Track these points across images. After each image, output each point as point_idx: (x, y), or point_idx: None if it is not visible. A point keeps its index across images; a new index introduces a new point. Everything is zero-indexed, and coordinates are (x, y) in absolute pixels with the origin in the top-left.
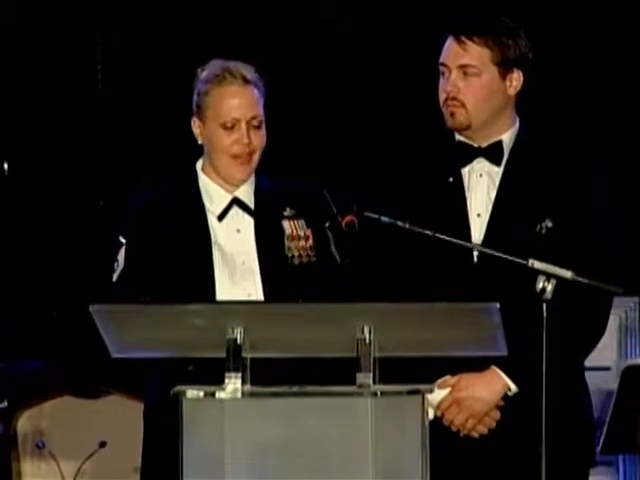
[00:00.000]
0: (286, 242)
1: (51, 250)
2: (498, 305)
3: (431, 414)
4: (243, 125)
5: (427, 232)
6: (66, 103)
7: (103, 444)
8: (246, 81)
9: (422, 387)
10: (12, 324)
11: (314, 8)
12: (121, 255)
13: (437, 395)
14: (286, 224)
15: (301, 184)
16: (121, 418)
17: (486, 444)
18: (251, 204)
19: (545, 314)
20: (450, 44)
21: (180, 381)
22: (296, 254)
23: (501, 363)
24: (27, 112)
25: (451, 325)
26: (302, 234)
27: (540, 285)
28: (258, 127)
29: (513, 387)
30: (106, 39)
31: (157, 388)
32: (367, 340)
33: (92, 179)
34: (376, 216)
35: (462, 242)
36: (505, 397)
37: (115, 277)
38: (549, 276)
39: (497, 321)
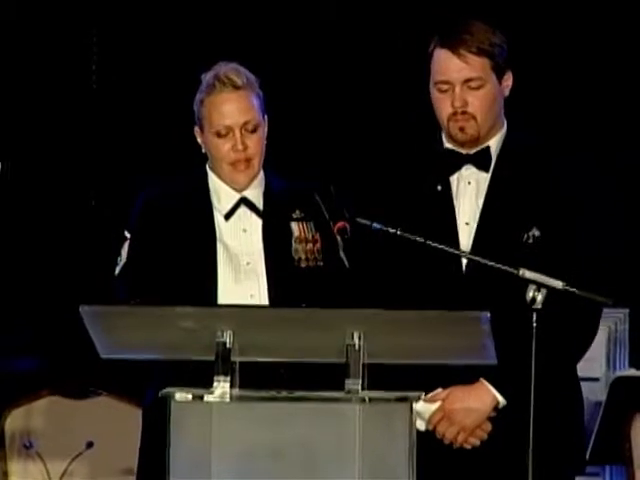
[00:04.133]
0: (293, 244)
1: (42, 250)
2: (488, 314)
3: (422, 427)
4: (237, 132)
5: (418, 239)
6: (60, 104)
7: (90, 445)
8: (236, 87)
9: (410, 394)
10: (1, 323)
11: (313, 8)
12: (124, 249)
13: (428, 408)
14: (294, 226)
15: (312, 186)
16: (109, 419)
17: (477, 454)
18: (260, 205)
19: (535, 324)
20: (448, 58)
21: (180, 381)
22: (303, 257)
23: (491, 374)
24: (21, 113)
25: (441, 333)
26: (310, 237)
27: (530, 295)
28: (253, 131)
29: (501, 400)
30: (102, 39)
31: (157, 388)
32: (357, 346)
33: (85, 180)
34: (368, 222)
35: (452, 250)
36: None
37: (117, 271)
38: (539, 286)
39: (487, 329)
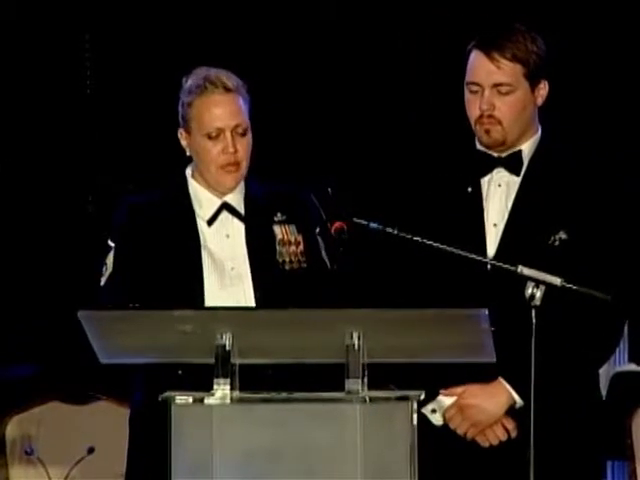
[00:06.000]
0: (277, 247)
1: (40, 255)
2: (487, 311)
3: (439, 421)
4: (228, 134)
5: (415, 238)
6: (55, 109)
7: (91, 450)
8: (227, 89)
9: (411, 393)
10: (1, 329)
11: (313, 8)
12: (109, 259)
13: (444, 403)
14: (277, 229)
15: (292, 189)
16: (110, 424)
17: (488, 454)
18: (241, 209)
19: (534, 320)
20: (480, 61)
21: (167, 386)
22: (287, 259)
23: (509, 374)
24: (16, 119)
25: (440, 331)
26: (293, 239)
27: (529, 291)
28: (243, 134)
29: (519, 400)
30: (95, 44)
31: (144, 393)
32: (356, 346)
33: (80, 184)
34: (365, 222)
35: (447, 248)
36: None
37: (103, 281)
38: (538, 282)
39: (485, 327)
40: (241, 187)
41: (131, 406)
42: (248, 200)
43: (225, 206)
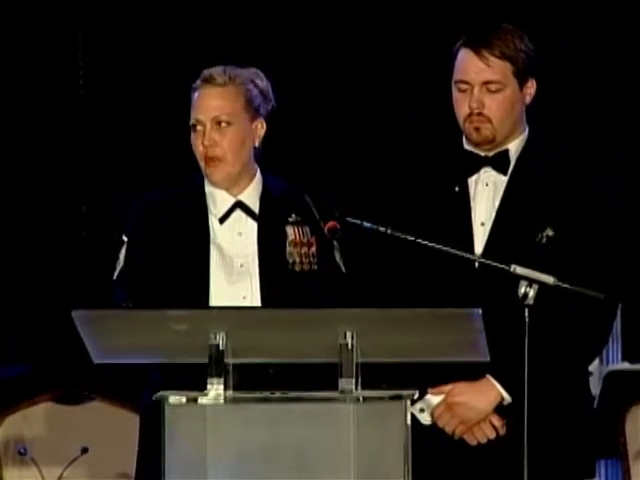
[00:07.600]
0: (288, 247)
1: (34, 254)
2: (480, 311)
3: (428, 421)
4: (207, 126)
5: (409, 237)
6: (49, 109)
7: (85, 450)
8: (216, 84)
9: (404, 393)
10: None
11: (313, 8)
12: (122, 254)
13: (432, 401)
14: (290, 230)
15: (304, 188)
16: (104, 424)
17: (478, 453)
18: (256, 208)
19: (527, 319)
20: (470, 59)
21: (178, 382)
22: (297, 260)
23: (498, 372)
24: (8, 119)
25: (433, 331)
26: (305, 240)
27: (522, 290)
28: (227, 126)
29: (507, 397)
30: (88, 41)
31: (155, 390)
32: (350, 346)
33: (74, 183)
34: (358, 222)
35: (445, 248)
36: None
37: (115, 275)
38: (531, 281)
39: (479, 327)
40: (258, 185)
41: (143, 402)
42: (264, 199)
43: (239, 204)
